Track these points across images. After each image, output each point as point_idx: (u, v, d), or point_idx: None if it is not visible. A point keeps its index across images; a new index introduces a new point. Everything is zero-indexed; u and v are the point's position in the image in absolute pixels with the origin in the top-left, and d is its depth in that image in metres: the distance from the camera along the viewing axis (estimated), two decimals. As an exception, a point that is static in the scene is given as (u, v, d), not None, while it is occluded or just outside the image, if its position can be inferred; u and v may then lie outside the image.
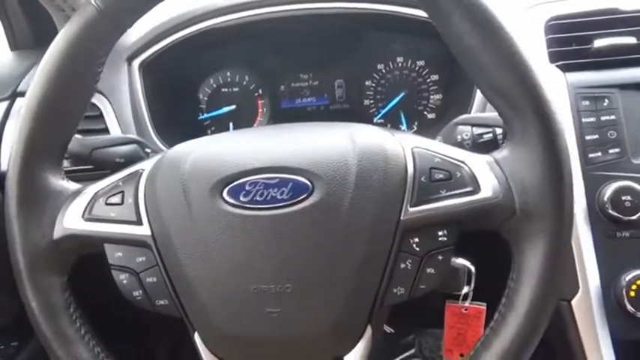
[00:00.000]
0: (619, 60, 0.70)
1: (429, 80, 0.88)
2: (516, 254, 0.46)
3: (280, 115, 0.91)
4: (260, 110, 0.91)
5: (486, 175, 0.47)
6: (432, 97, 0.88)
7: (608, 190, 0.66)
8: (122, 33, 0.50)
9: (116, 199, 0.49)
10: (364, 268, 0.45)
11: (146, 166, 0.51)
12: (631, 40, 0.70)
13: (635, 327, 0.66)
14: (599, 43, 0.70)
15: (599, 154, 0.68)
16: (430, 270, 0.45)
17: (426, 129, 0.89)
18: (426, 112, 0.89)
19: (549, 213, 0.44)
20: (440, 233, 0.45)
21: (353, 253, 0.45)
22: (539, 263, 0.44)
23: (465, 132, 0.59)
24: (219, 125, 0.91)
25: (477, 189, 0.46)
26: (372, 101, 0.90)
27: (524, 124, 0.45)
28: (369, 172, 0.46)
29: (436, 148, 0.49)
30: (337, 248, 0.45)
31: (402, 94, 0.88)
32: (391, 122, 0.90)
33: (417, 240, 0.45)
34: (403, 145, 0.48)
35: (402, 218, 0.45)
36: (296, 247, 0.45)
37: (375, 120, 0.90)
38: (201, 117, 0.91)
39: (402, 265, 0.45)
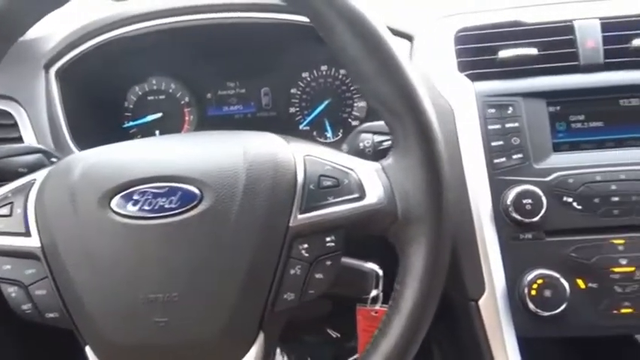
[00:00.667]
0: (522, 70, 0.74)
1: (352, 88, 0.90)
2: (401, 258, 0.48)
3: (207, 123, 0.92)
4: (187, 118, 0.91)
5: (373, 182, 0.49)
6: (355, 104, 0.90)
7: (511, 194, 0.69)
8: (9, 45, 0.49)
9: (5, 211, 0.48)
10: (253, 275, 0.46)
11: (39, 176, 0.51)
12: (533, 50, 0.73)
13: (538, 325, 0.69)
14: (503, 53, 0.74)
15: (504, 159, 0.72)
16: (319, 275, 0.47)
17: (352, 136, 0.91)
18: (350, 120, 0.91)
19: (427, 218, 0.46)
20: (328, 239, 0.47)
21: (241, 260, 0.46)
22: (420, 266, 0.46)
23: (367, 139, 0.61)
24: (146, 133, 0.91)
25: (362, 195, 0.48)
26: (297, 109, 0.91)
27: (405, 133, 0.47)
28: (257, 180, 0.47)
29: (328, 156, 0.50)
30: (225, 255, 0.46)
31: (326, 102, 0.90)
32: (317, 129, 0.91)
33: (305, 246, 0.46)
34: (295, 154, 0.49)
35: (290, 225, 0.46)
36: (183, 256, 0.45)
37: (300, 127, 0.91)
38: (126, 125, 0.90)
39: (292, 271, 0.46)
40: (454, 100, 0.74)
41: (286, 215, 0.46)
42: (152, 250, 0.45)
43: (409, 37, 0.77)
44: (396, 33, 0.77)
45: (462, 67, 0.75)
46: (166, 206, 0.46)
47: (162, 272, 0.45)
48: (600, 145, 0.73)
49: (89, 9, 0.80)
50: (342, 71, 0.89)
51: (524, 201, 0.69)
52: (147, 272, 0.45)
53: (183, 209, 0.46)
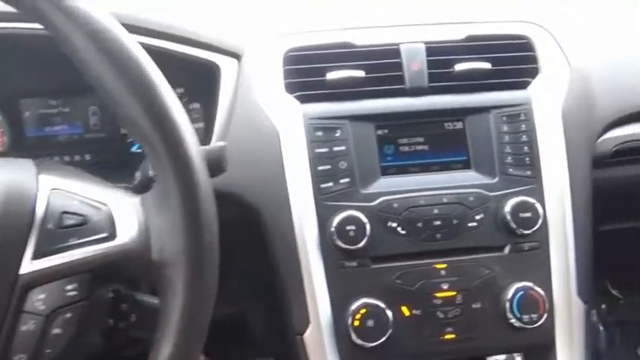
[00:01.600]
0: (350, 92, 0.72)
1: (189, 108, 0.85)
2: (160, 304, 0.43)
3: (26, 145, 0.82)
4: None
5: (127, 219, 0.43)
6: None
7: (335, 221, 0.67)
8: None
9: None
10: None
11: None
12: (360, 73, 0.72)
13: (364, 356, 0.67)
14: (331, 75, 0.72)
15: (331, 184, 0.69)
16: (57, 330, 0.40)
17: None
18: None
19: (184, 261, 0.41)
20: (69, 287, 0.40)
21: None
22: (175, 319, 0.40)
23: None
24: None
25: (113, 234, 0.42)
26: (129, 130, 0.84)
27: (161, 164, 0.42)
28: None
29: (80, 189, 0.44)
30: None
31: (160, 122, 0.84)
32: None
33: (42, 297, 0.40)
34: (41, 187, 0.43)
35: (21, 273, 0.40)
36: None
37: (133, 149, 0.84)
38: None
39: (24, 327, 0.39)
40: (280, 122, 0.71)
41: (16, 261, 0.39)
42: None
43: (237, 56, 0.73)
44: (223, 51, 0.73)
45: (290, 88, 0.72)
46: None
47: None
48: (426, 169, 0.73)
49: None
50: (177, 90, 0.83)
51: (348, 227, 0.67)
52: None
53: None
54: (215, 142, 0.72)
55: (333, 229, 0.66)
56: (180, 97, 0.83)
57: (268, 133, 0.70)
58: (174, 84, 0.83)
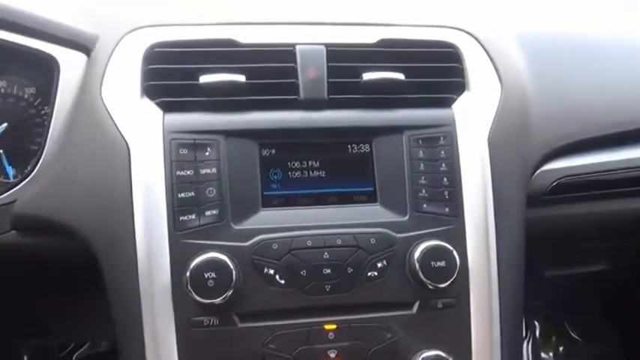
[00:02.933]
0: (228, 101, 0.57)
1: (43, 113, 0.69)
2: None
3: None
4: None
5: None
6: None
7: (191, 265, 0.51)
8: None
9: None
10: None
11: None
12: (241, 78, 0.58)
13: None
14: (206, 79, 0.57)
15: (194, 216, 0.54)
16: None
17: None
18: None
19: None
20: None
21: None
22: None
23: None
24: None
25: None
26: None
27: None
28: None
29: None
30: None
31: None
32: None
33: None
34: None
35: None
36: None
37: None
38: None
39: None
40: (133, 134, 0.55)
41: None
42: None
43: (85, 49, 0.58)
44: (65, 41, 0.57)
45: (151, 92, 0.57)
46: None
47: None
48: (321, 200, 0.58)
49: None
50: (30, 90, 0.68)
51: (207, 274, 0.51)
52: None
53: None
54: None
55: (187, 276, 0.51)
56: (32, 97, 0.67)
57: (115, 147, 0.54)
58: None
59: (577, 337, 1.50)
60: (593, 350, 1.49)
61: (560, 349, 1.48)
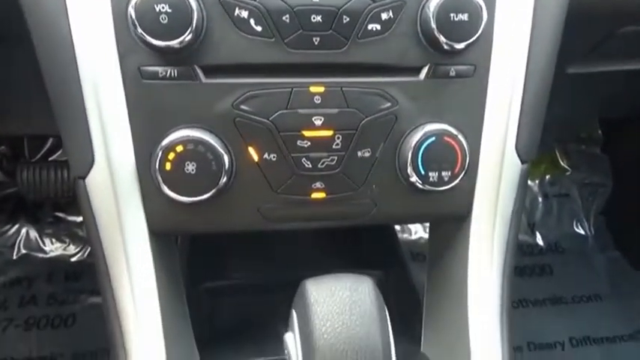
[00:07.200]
0: None
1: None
2: None
3: None
4: None
5: None
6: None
7: (137, -5, 0.39)
8: None
9: None
10: None
11: None
12: None
13: (180, 217, 0.44)
14: None
15: None
16: None
17: None
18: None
19: None
20: None
21: None
22: None
23: None
24: None
25: None
26: None
27: None
28: None
29: None
30: None
31: None
32: None
33: None
34: None
35: None
36: None
37: None
38: None
39: None
40: None
41: None
42: None
43: None
44: None
45: None
46: None
47: None
48: None
49: None
50: None
51: (159, 7, 0.40)
52: None
53: None
54: None
55: (132, 13, 0.39)
56: None
57: None
58: None
59: (566, 167, 1.48)
60: (582, 179, 1.48)
61: (547, 177, 1.46)
